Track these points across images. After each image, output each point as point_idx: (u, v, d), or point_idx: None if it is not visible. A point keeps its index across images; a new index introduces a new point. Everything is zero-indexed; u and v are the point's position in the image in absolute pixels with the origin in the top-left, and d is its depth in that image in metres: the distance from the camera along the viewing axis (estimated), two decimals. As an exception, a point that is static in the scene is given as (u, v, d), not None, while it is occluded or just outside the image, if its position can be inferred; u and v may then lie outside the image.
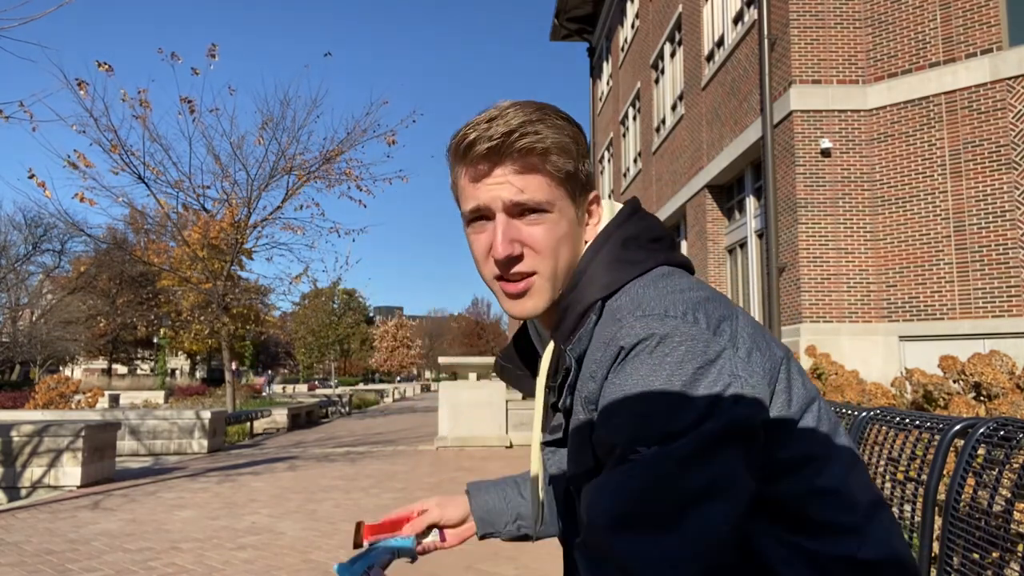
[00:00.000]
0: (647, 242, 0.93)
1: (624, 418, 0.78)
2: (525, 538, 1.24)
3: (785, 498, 0.82)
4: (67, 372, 45.44)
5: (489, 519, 1.23)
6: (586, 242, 0.95)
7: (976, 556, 1.61)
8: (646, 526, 0.74)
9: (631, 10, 19.05)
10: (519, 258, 0.89)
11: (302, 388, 39.39)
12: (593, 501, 0.79)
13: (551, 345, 0.97)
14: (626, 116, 19.59)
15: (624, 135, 20.08)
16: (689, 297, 0.84)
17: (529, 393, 1.06)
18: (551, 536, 1.14)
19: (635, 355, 0.79)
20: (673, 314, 0.80)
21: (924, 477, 1.81)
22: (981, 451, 1.64)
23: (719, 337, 0.80)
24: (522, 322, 1.06)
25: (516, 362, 1.09)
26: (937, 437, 1.81)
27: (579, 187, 0.93)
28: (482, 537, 1.25)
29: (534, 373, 1.04)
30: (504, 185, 0.88)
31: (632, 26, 18.81)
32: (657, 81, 16.46)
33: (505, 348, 1.10)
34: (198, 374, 52.04)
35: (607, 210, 0.98)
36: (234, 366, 21.84)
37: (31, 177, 11.51)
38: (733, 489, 0.76)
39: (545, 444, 0.96)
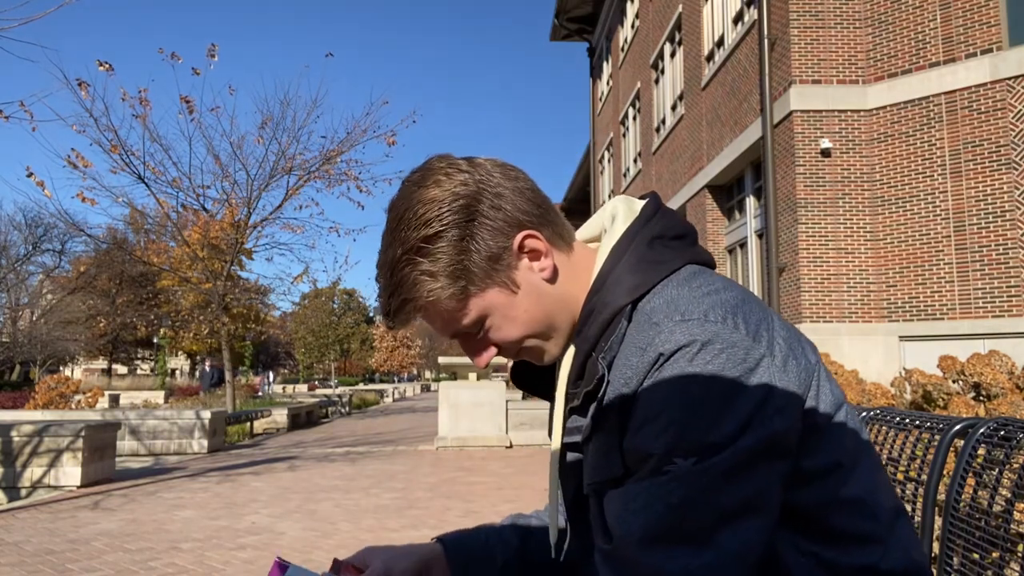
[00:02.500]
0: (672, 239, 0.90)
1: (661, 427, 0.75)
2: None
3: (807, 507, 0.80)
4: (67, 372, 45.45)
5: (472, 564, 1.07)
6: (544, 271, 0.88)
7: (976, 556, 1.61)
8: (680, 542, 0.73)
9: (631, 10, 19.05)
10: (507, 350, 0.91)
11: (302, 388, 39.38)
12: (624, 512, 0.77)
13: (570, 352, 0.91)
14: (626, 116, 19.59)
15: (624, 135, 20.08)
16: (726, 299, 0.81)
17: (547, 398, 1.01)
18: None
19: (674, 362, 0.76)
20: (713, 319, 0.77)
21: (924, 477, 1.81)
22: (981, 451, 1.64)
23: (758, 344, 0.78)
24: None
25: (532, 368, 1.02)
26: (937, 437, 1.81)
27: (484, 276, 0.86)
28: None
29: (548, 378, 1.00)
30: (439, 329, 0.90)
31: (632, 26, 18.81)
32: (657, 81, 16.46)
33: (516, 362, 1.04)
34: (198, 374, 52.02)
35: (624, 208, 0.94)
36: (207, 365, 21.68)
37: (29, 176, 11.52)
38: (768, 504, 0.75)
39: (566, 447, 0.92)
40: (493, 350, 0.91)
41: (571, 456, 0.92)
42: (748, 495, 0.73)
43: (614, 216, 0.94)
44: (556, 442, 0.96)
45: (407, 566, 1.02)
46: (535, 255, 0.88)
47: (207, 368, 22.56)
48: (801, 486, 0.79)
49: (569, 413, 0.90)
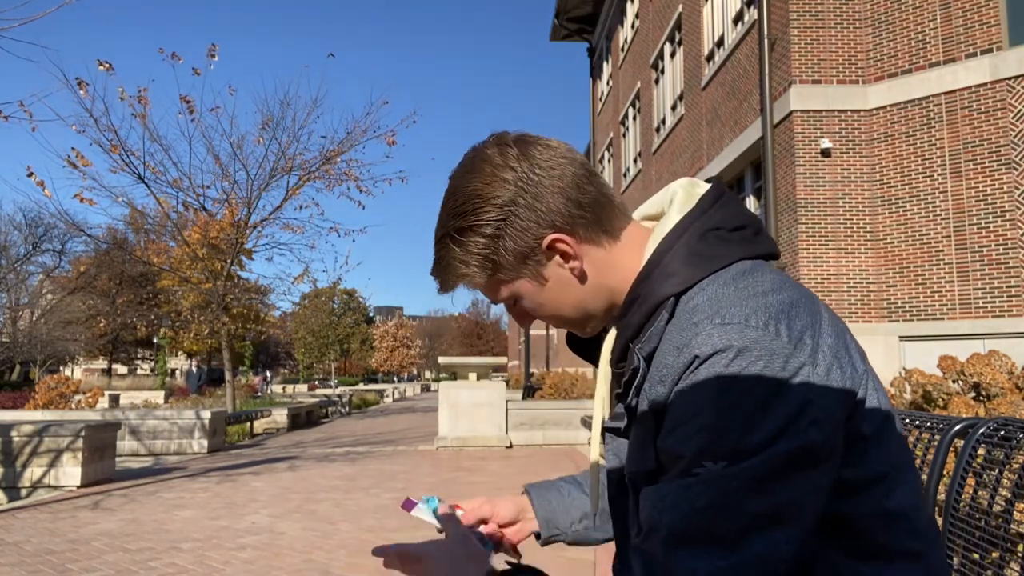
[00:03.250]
0: (728, 232, 0.87)
1: (693, 430, 0.75)
2: (588, 542, 1.18)
3: (849, 519, 0.78)
4: (67, 372, 45.43)
5: (554, 519, 1.16)
6: (574, 270, 0.90)
7: (976, 556, 1.61)
8: (705, 544, 0.72)
9: (631, 10, 19.05)
10: (545, 320, 0.96)
11: (302, 388, 39.38)
12: (654, 508, 0.77)
13: (613, 331, 0.92)
14: (626, 116, 19.59)
15: (624, 135, 20.08)
16: (772, 302, 0.79)
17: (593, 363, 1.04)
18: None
19: (710, 366, 0.75)
20: (754, 324, 0.76)
21: (924, 477, 1.81)
22: (981, 451, 1.64)
23: (799, 352, 0.75)
24: None
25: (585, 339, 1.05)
26: (937, 437, 1.81)
27: (514, 269, 0.90)
28: (545, 542, 1.18)
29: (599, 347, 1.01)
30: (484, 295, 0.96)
31: (632, 26, 18.81)
32: (657, 81, 16.46)
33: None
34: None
35: (683, 195, 0.92)
36: (194, 365, 21.47)
37: (30, 175, 11.52)
38: (801, 514, 0.73)
39: (606, 429, 0.93)
40: (527, 321, 0.97)
41: (612, 441, 0.94)
42: (778, 503, 0.72)
43: (672, 200, 0.93)
44: (597, 426, 0.98)
45: (507, 507, 1.16)
46: (563, 255, 0.89)
47: (194, 369, 22.31)
48: (844, 497, 0.77)
49: (616, 399, 0.92)
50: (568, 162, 0.90)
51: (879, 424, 0.80)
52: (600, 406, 0.97)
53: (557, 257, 0.89)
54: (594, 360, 1.02)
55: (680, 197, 0.92)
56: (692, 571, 0.72)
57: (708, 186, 0.93)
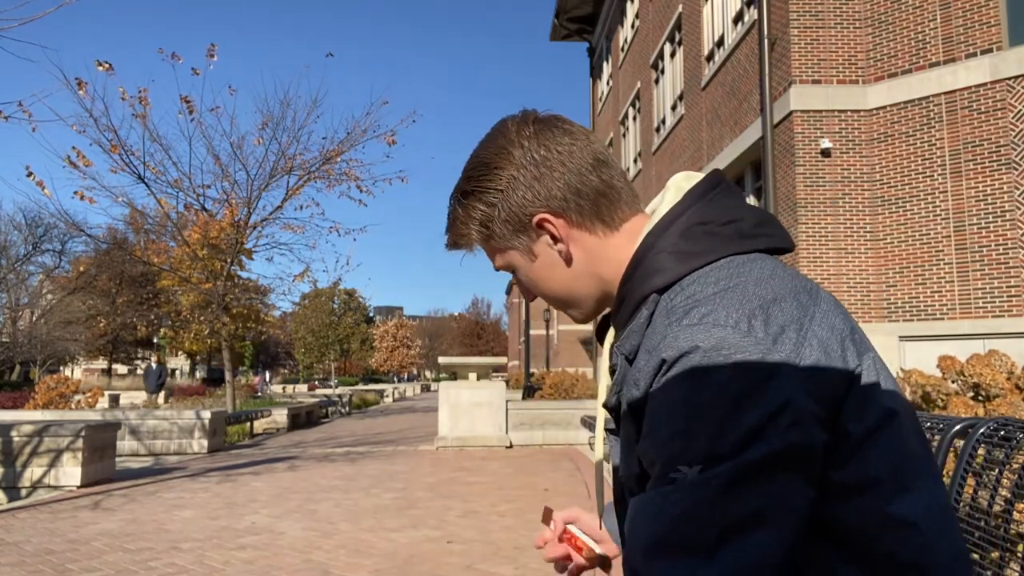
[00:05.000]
0: (719, 226, 0.84)
1: (665, 435, 0.72)
2: None
3: (845, 524, 0.73)
4: (67, 372, 45.42)
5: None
6: (561, 253, 0.91)
7: (976, 556, 1.61)
8: (682, 553, 0.70)
9: (631, 10, 19.05)
10: (540, 296, 0.99)
11: (302, 388, 39.38)
12: (633, 519, 0.75)
13: (612, 332, 0.95)
14: (626, 116, 19.59)
15: (624, 135, 20.08)
16: (751, 296, 0.76)
17: None
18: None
19: (677, 369, 0.72)
20: (723, 323, 0.73)
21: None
22: (981, 451, 1.64)
23: (778, 348, 0.72)
24: None
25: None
26: (937, 437, 1.81)
27: (507, 239, 0.93)
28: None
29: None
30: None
31: (632, 26, 18.81)
32: (657, 81, 16.46)
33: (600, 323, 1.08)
34: (198, 374, 52.02)
35: (674, 188, 0.90)
36: (153, 362, 20.79)
37: (29, 176, 11.52)
38: (783, 518, 0.69)
39: (608, 431, 0.95)
40: (529, 294, 1.00)
41: (614, 442, 0.94)
42: (757, 508, 0.69)
43: (664, 195, 0.91)
44: (600, 427, 0.99)
45: (592, 522, 1.15)
46: (552, 236, 0.92)
47: (153, 365, 20.76)
48: (835, 500, 0.73)
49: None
50: (580, 149, 0.91)
51: (876, 423, 0.75)
52: (601, 403, 0.96)
53: (546, 237, 0.91)
54: None
55: (672, 190, 0.90)
56: None
57: (702, 177, 0.91)
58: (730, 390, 0.70)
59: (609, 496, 1.03)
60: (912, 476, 0.76)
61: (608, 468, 1.02)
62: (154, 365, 21.06)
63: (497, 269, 1.00)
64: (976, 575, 1.59)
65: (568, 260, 0.91)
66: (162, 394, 21.40)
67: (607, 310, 0.98)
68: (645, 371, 0.76)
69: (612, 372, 0.89)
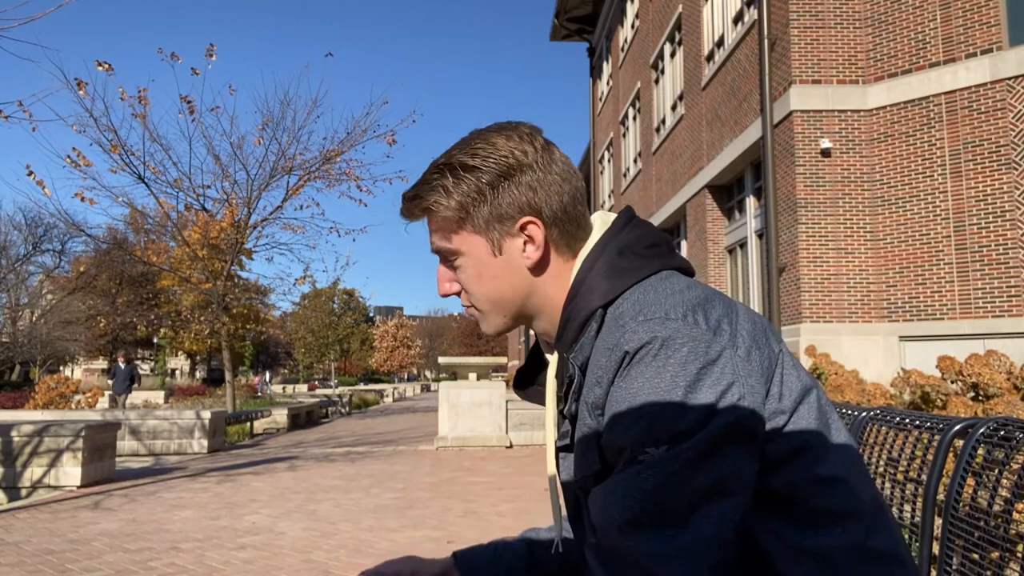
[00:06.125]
0: (643, 248, 0.94)
1: (632, 421, 0.79)
2: None
3: (784, 489, 0.82)
4: (67, 372, 45.44)
5: (474, 563, 1.17)
6: (529, 259, 0.95)
7: (976, 556, 1.61)
8: (660, 524, 0.77)
9: (631, 10, 19.05)
10: (459, 293, 1.00)
11: (302, 388, 39.39)
12: (605, 502, 0.80)
13: (555, 356, 0.99)
14: (626, 116, 19.59)
15: (624, 135, 20.08)
16: (688, 298, 0.85)
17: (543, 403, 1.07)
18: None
19: (639, 359, 0.80)
20: (673, 316, 0.82)
21: (924, 477, 1.81)
22: (981, 451, 1.64)
23: (719, 337, 0.82)
24: (534, 343, 1.10)
25: (532, 379, 1.10)
26: (937, 437, 1.81)
27: (483, 224, 0.94)
28: None
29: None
30: (431, 236, 0.99)
31: (632, 26, 18.81)
32: (657, 81, 16.46)
33: (519, 369, 1.12)
34: (198, 374, 52.03)
35: (599, 223, 0.99)
36: (121, 361, 18.72)
37: (29, 174, 11.51)
38: (740, 486, 0.78)
39: (558, 450, 0.98)
40: (454, 287, 1.00)
41: (565, 459, 0.96)
42: (719, 477, 0.77)
43: (591, 230, 0.99)
44: (550, 447, 1.02)
45: (432, 570, 1.17)
46: (530, 240, 0.95)
47: (121, 364, 19.41)
48: (773, 470, 0.82)
49: (560, 417, 0.97)
50: (575, 178, 0.98)
51: (799, 399, 0.86)
52: (552, 429, 1.02)
53: (522, 240, 0.95)
54: (541, 402, 1.08)
55: (597, 224, 0.99)
56: (650, 553, 0.76)
57: (618, 214, 1.00)
58: (687, 373, 0.78)
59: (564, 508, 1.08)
60: (829, 440, 0.86)
61: (558, 483, 1.05)
62: (122, 364, 19.56)
63: (435, 250, 1.00)
64: (976, 575, 1.60)
65: (535, 267, 0.95)
66: (129, 397, 19.65)
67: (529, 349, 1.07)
68: (608, 367, 0.83)
69: (559, 398, 0.97)
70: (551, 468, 1.04)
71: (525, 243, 0.94)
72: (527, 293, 0.96)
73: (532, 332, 1.05)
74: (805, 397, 0.87)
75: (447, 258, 0.99)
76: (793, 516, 0.82)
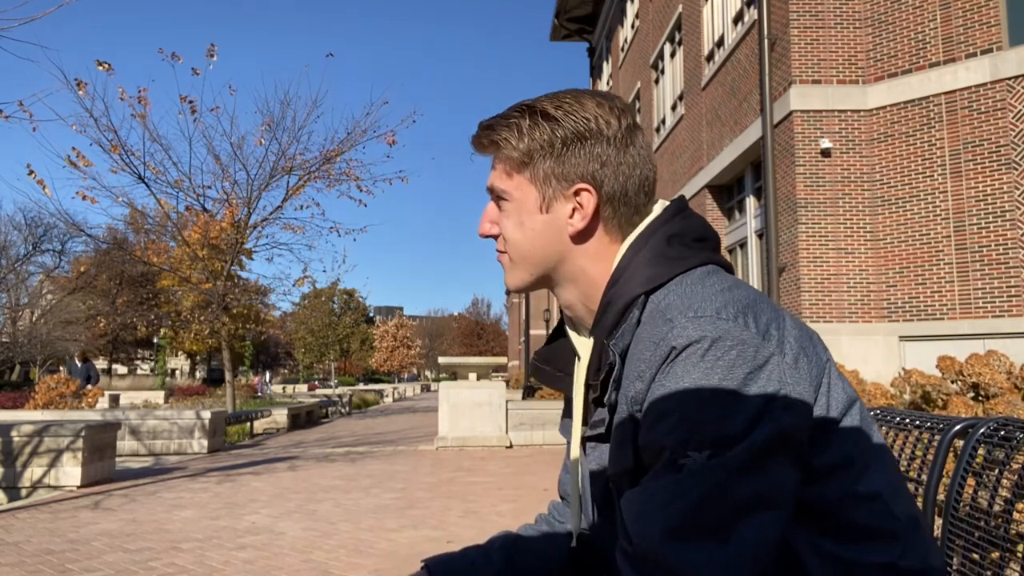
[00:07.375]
0: (692, 240, 0.92)
1: (674, 421, 0.76)
2: None
3: (824, 502, 0.81)
4: (67, 372, 45.35)
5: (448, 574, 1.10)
6: (572, 227, 0.93)
7: (976, 556, 1.61)
8: (702, 536, 0.74)
9: (631, 10, 19.05)
10: (497, 236, 0.99)
11: (302, 388, 39.38)
12: (644, 510, 0.77)
13: (591, 341, 0.94)
14: (626, 116, 19.57)
15: (624, 135, 20.06)
16: (738, 298, 0.83)
17: (566, 392, 1.05)
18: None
19: (686, 357, 0.78)
20: (725, 316, 0.79)
21: (924, 477, 1.81)
22: (981, 451, 1.64)
23: (768, 342, 0.79)
24: (559, 321, 1.07)
25: (554, 363, 1.07)
26: (937, 437, 1.81)
27: (542, 176, 0.93)
28: None
29: (570, 373, 1.03)
30: (491, 171, 0.98)
31: (632, 26, 18.81)
32: (657, 81, 16.46)
33: (541, 349, 1.08)
34: (198, 374, 52.03)
35: (655, 208, 0.97)
36: (78, 360, 17.84)
37: (30, 174, 11.50)
38: (783, 497, 0.76)
39: (586, 439, 0.95)
40: (494, 228, 0.98)
41: (595, 448, 0.94)
42: (763, 489, 0.75)
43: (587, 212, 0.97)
44: (576, 432, 0.99)
45: None
46: (579, 208, 0.93)
47: (78, 363, 18.31)
48: (815, 482, 0.80)
49: (593, 405, 0.93)
50: (648, 167, 0.96)
51: (845, 411, 0.84)
52: (579, 419, 0.98)
53: (572, 207, 0.93)
54: (559, 387, 1.06)
55: (652, 212, 0.97)
56: (692, 565, 0.73)
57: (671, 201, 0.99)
58: (735, 377, 0.76)
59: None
60: (872, 454, 0.85)
61: (581, 475, 1.02)
62: (79, 363, 18.39)
63: (489, 187, 0.98)
64: (976, 575, 1.59)
65: (576, 236, 0.93)
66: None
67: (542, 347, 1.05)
68: (652, 361, 0.80)
69: (589, 385, 0.93)
70: (575, 452, 1.01)
71: (574, 210, 0.92)
72: (561, 258, 0.94)
73: (546, 321, 1.02)
74: (850, 409, 0.85)
75: (499, 198, 0.97)
76: (831, 529, 0.81)
